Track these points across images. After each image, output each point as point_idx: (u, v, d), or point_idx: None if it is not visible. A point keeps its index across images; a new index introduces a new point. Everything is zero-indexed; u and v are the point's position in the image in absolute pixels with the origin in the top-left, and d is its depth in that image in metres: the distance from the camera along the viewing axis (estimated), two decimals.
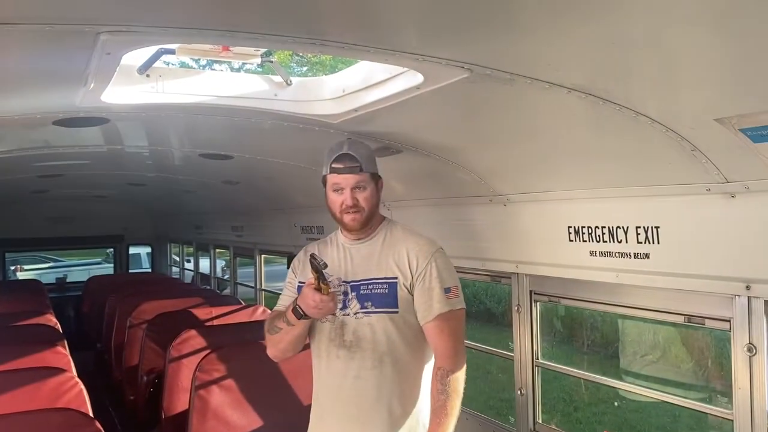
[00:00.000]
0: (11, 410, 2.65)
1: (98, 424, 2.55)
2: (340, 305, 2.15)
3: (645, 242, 2.11)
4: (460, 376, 2.07)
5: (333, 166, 2.14)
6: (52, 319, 5.03)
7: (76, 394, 2.99)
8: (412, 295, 2.11)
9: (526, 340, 2.77)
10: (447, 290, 2.09)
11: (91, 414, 2.73)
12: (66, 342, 4.00)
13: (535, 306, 2.77)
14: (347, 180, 2.13)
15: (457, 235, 2.99)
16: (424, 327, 2.11)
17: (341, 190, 2.13)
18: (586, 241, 2.33)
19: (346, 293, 2.16)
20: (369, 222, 2.18)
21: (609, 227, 2.23)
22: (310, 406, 2.34)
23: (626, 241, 2.17)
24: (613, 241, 2.21)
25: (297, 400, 3.64)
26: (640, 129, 1.78)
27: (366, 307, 2.13)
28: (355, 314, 2.14)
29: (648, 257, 2.11)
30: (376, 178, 2.18)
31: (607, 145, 2.00)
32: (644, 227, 2.10)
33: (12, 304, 5.81)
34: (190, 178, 5.07)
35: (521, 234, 2.67)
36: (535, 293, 2.74)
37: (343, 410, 2.18)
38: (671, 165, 1.92)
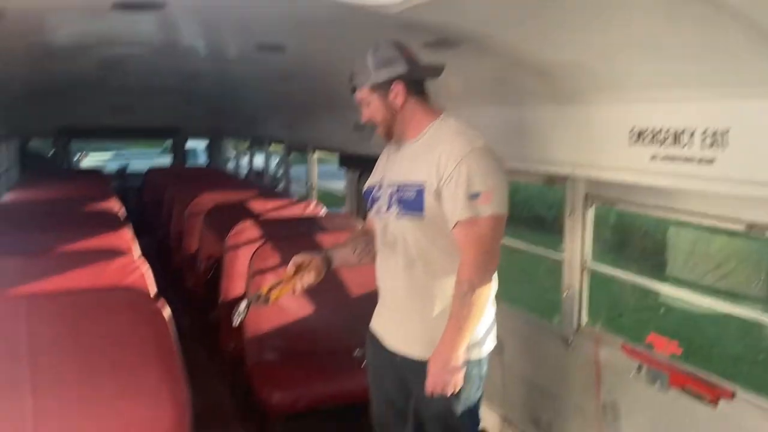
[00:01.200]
0: (79, 288, 2.83)
1: (161, 303, 2.70)
2: (385, 206, 2.23)
3: (712, 146, 2.01)
4: (479, 286, 2.05)
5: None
6: (115, 205, 5.26)
7: (140, 276, 3.16)
8: (439, 200, 2.10)
9: (577, 243, 2.76)
10: (474, 195, 2.03)
11: (152, 296, 2.89)
12: (129, 227, 4.18)
13: (589, 209, 2.73)
14: (356, 99, 2.23)
15: (514, 135, 2.92)
16: (451, 232, 2.11)
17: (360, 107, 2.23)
18: (648, 144, 2.24)
19: (391, 194, 2.22)
20: (392, 130, 2.22)
21: (674, 130, 2.13)
22: (362, 294, 2.45)
23: (691, 145, 2.08)
24: (678, 145, 2.13)
25: (349, 289, 3.77)
26: (720, 22, 1.65)
27: (400, 210, 2.17)
28: (394, 216, 2.20)
29: (713, 162, 2.03)
30: (383, 87, 2.16)
31: (681, 40, 1.88)
32: (712, 131, 2.01)
33: (77, 190, 6.09)
34: (246, 72, 5.05)
35: (580, 135, 2.59)
36: (590, 196, 2.69)
37: (387, 303, 2.33)
38: (748, 64, 1.80)
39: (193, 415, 2.61)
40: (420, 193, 2.11)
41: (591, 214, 2.75)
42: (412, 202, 2.13)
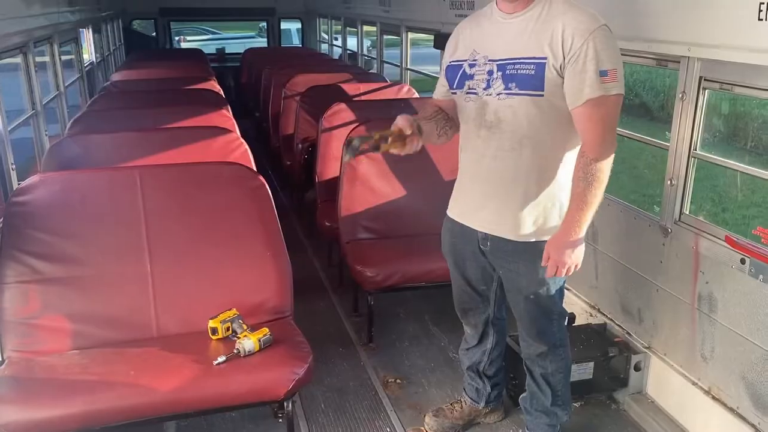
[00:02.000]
0: (187, 161, 2.99)
1: (263, 179, 2.82)
2: (483, 84, 2.11)
3: None
4: (605, 166, 2.01)
5: None
6: (215, 86, 5.41)
7: (242, 153, 3.30)
8: (563, 77, 1.99)
9: (686, 130, 2.60)
10: (603, 73, 1.95)
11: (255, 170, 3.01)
12: (229, 107, 4.31)
13: (703, 94, 2.53)
14: None
15: (622, 10, 2.71)
16: (572, 112, 2.02)
17: None
18: None
19: (491, 71, 2.09)
20: None
21: None
22: (451, 180, 2.43)
23: None
24: None
25: (439, 174, 3.78)
26: None
27: (510, 88, 2.06)
28: (497, 95, 2.09)
29: None
30: None
31: None
32: None
33: (179, 70, 6.28)
34: None
35: (698, 9, 2.36)
36: (705, 79, 2.49)
37: (480, 186, 2.25)
38: None
39: (292, 285, 2.79)
40: (541, 69, 2.00)
41: (704, 99, 2.56)
42: (530, 79, 2.02)
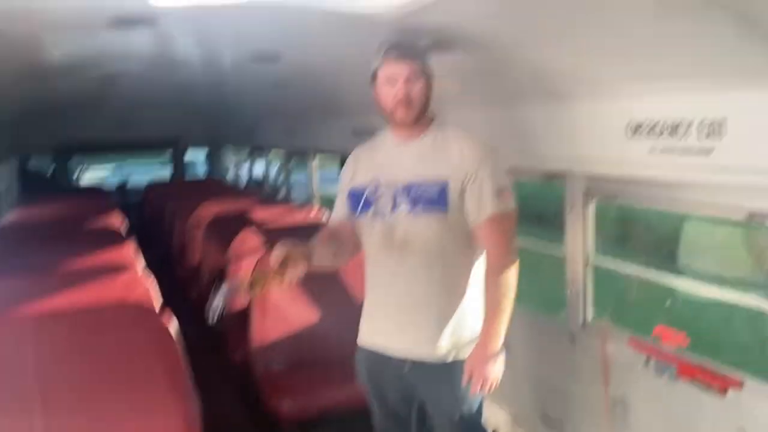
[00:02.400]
0: (84, 306, 2.84)
1: (167, 318, 2.71)
2: (389, 206, 2.18)
3: (709, 137, 2.02)
4: (511, 276, 2.10)
5: (386, 57, 2.12)
6: (117, 220, 5.27)
7: (145, 290, 3.17)
8: (463, 196, 2.11)
9: (578, 240, 2.76)
10: (498, 191, 2.09)
11: (158, 310, 2.90)
12: (131, 242, 4.19)
13: (589, 205, 2.73)
14: (401, 69, 2.10)
15: (511, 134, 2.93)
16: (475, 228, 2.13)
17: (394, 82, 2.10)
18: (646, 137, 2.25)
19: (395, 194, 2.17)
20: (420, 117, 2.16)
21: (671, 122, 2.14)
22: (361, 302, 2.42)
23: (689, 136, 2.09)
24: (675, 137, 2.13)
25: (352, 297, 3.77)
26: (710, 14, 1.66)
27: (416, 208, 2.14)
28: (405, 215, 2.16)
29: (711, 153, 2.03)
30: (428, 72, 2.15)
31: (674, 32, 1.89)
32: (709, 121, 2.01)
33: (78, 207, 6.10)
34: (242, 81, 5.07)
35: (577, 132, 2.60)
36: (589, 192, 2.70)
37: (392, 308, 2.24)
38: (742, 53, 1.80)
39: (203, 425, 2.62)
40: (444, 189, 2.11)
41: (591, 209, 2.75)
42: (435, 199, 2.12)
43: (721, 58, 1.90)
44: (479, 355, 2.10)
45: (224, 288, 1.97)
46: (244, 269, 4.08)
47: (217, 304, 1.95)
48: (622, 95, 2.31)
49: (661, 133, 2.19)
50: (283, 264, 2.01)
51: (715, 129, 2.00)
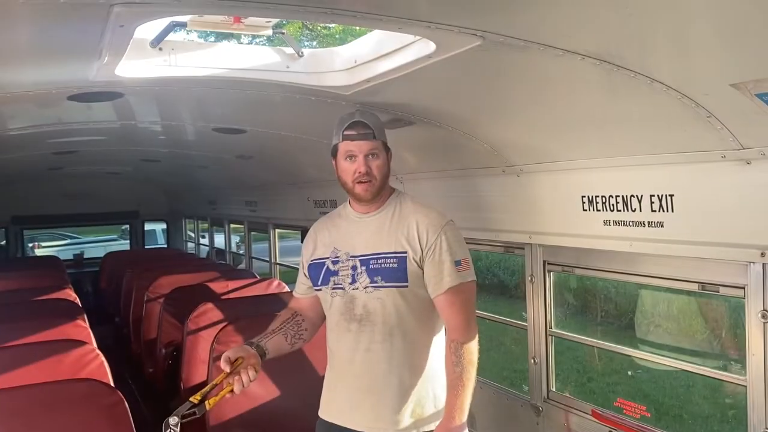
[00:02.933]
0: (37, 380, 2.72)
1: (120, 394, 2.60)
2: (349, 279, 2.18)
3: (659, 210, 2.10)
4: (473, 347, 2.09)
5: (345, 133, 2.14)
6: (71, 294, 5.11)
7: (98, 366, 3.05)
8: (422, 269, 2.11)
9: (539, 310, 2.79)
10: (457, 263, 2.10)
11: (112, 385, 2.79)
12: (85, 316, 4.07)
13: (549, 276, 2.77)
14: (360, 147, 2.13)
15: (469, 206, 2.99)
16: (435, 300, 2.13)
17: (354, 158, 2.13)
18: (599, 210, 2.32)
19: (354, 267, 2.17)
20: (380, 192, 2.19)
21: (623, 196, 2.22)
22: (321, 376, 2.37)
23: (640, 210, 2.16)
24: (628, 210, 2.21)
25: (314, 370, 3.68)
26: (655, 95, 1.76)
27: (375, 282, 2.13)
28: (364, 288, 2.15)
29: (662, 225, 2.11)
30: (387, 148, 2.19)
31: (622, 112, 1.99)
32: (659, 195, 2.09)
33: (31, 280, 5.91)
34: (203, 153, 5.09)
35: (534, 204, 2.67)
36: (548, 263, 2.74)
37: (353, 381, 2.21)
38: (686, 132, 1.90)
39: None
40: (402, 262, 2.10)
41: (551, 279, 2.80)
42: (394, 272, 2.11)
43: (666, 135, 2.00)
44: (444, 429, 2.07)
45: (175, 416, 1.92)
46: (202, 344, 3.98)
47: (173, 426, 1.91)
48: (575, 169, 2.40)
49: (615, 206, 2.27)
50: (234, 370, 1.99)
51: (665, 203, 2.08)
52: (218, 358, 3.52)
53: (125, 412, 2.57)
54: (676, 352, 7.15)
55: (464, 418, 2.07)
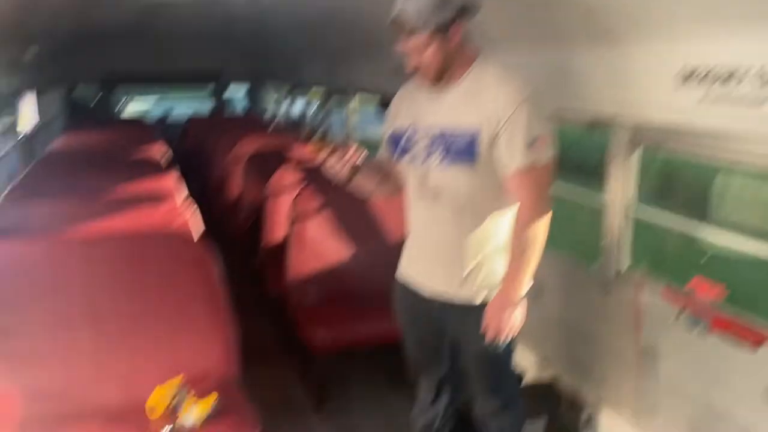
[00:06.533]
0: (128, 231, 2.94)
1: (206, 248, 2.78)
2: (423, 154, 2.16)
3: (764, 86, 1.94)
4: (539, 230, 2.08)
5: (392, 26, 2.06)
6: (160, 152, 5.36)
7: (186, 221, 3.25)
8: (496, 145, 2.07)
9: (620, 189, 2.72)
10: (533, 141, 2.03)
11: (198, 239, 2.97)
12: (173, 173, 4.27)
13: (634, 154, 2.67)
14: (405, 45, 2.07)
15: (556, 77, 2.86)
16: (505, 179, 2.10)
17: (404, 51, 2.09)
18: (697, 84, 2.17)
19: (429, 142, 2.16)
20: (443, 73, 2.12)
21: (726, 69, 2.06)
22: (401, 240, 2.46)
23: (743, 85, 2.01)
24: (729, 85, 2.05)
25: (388, 235, 3.81)
26: None
27: (447, 159, 2.12)
28: (437, 164, 2.15)
29: (765, 103, 1.96)
30: (441, 30, 2.04)
31: None
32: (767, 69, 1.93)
33: (123, 138, 6.22)
34: (284, 15, 5.02)
35: (627, 76, 2.51)
36: (635, 141, 2.63)
37: (426, 254, 2.30)
38: None
39: (239, 352, 2.72)
40: (473, 139, 2.07)
41: (635, 158, 2.70)
42: (463, 150, 2.09)
43: None
44: (497, 304, 2.13)
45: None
46: (282, 205, 4.15)
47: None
48: (676, 38, 2.22)
49: (714, 80, 2.11)
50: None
51: None
52: (297, 218, 3.72)
53: (212, 263, 2.75)
54: (759, 236, 6.89)
55: (520, 294, 2.12)
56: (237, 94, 12.32)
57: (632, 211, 2.72)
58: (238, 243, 5.32)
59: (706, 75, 2.13)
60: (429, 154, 2.16)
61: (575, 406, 2.92)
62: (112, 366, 2.55)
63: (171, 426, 2.27)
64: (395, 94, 2.39)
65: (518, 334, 2.22)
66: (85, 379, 2.51)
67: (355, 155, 2.20)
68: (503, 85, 2.08)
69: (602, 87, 2.65)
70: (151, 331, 2.62)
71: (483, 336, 2.19)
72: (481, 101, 2.08)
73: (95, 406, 2.49)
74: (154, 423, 2.36)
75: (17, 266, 2.58)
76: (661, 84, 2.31)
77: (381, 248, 3.74)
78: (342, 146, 2.22)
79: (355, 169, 2.23)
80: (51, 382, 2.47)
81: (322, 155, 2.20)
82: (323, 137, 2.17)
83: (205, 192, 7.00)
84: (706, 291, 2.38)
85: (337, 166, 2.21)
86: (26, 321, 2.51)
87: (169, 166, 4.81)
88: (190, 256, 2.74)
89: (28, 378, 2.45)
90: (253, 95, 11.12)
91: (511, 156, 2.05)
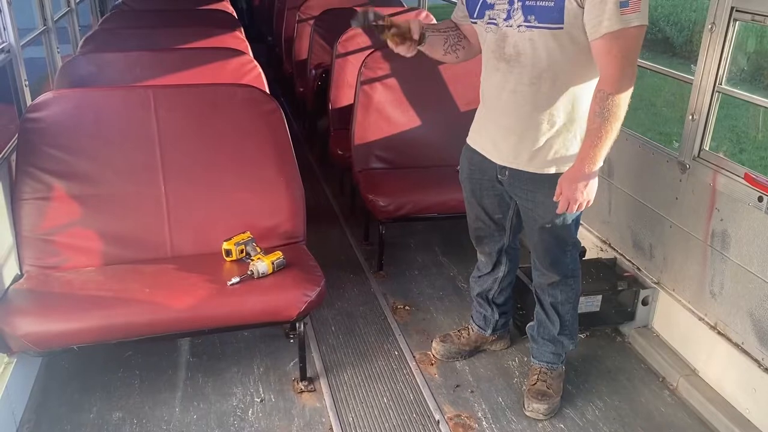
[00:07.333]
0: (201, 82, 2.95)
1: (276, 102, 2.79)
2: (504, 15, 2.04)
3: None
4: (622, 101, 1.95)
5: None
6: (229, 7, 5.28)
7: (256, 76, 3.25)
8: (582, 9, 1.91)
9: (713, 63, 2.52)
10: (624, 4, 1.85)
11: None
12: (242, 29, 4.22)
13: (733, 25, 2.45)
14: None
15: None
16: (591, 44, 1.95)
17: None
18: None
19: (511, 2, 2.01)
20: None
21: None
22: (468, 111, 2.40)
23: None
24: None
25: (455, 105, 3.73)
26: None
27: (529, 21, 1.98)
28: (518, 27, 2.02)
29: None
30: None
31: None
32: None
33: None
34: None
35: None
36: (736, 10, 2.41)
37: (498, 119, 2.22)
38: None
39: (305, 212, 2.80)
40: (560, 1, 1.92)
41: (734, 31, 2.48)
42: (550, 11, 1.94)
43: None
44: (571, 176, 2.06)
45: (371, 12, 2.06)
46: (350, 68, 4.08)
47: (370, 17, 2.06)
48: None
49: None
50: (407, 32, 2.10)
51: None
52: (365, 82, 3.66)
53: (282, 119, 2.77)
54: None
55: (595, 168, 2.04)
56: None
57: (721, 88, 2.54)
58: (306, 104, 5.33)
59: None
60: (510, 15, 2.03)
61: (634, 285, 2.92)
62: (184, 216, 2.67)
63: (244, 274, 2.40)
64: None
65: (585, 210, 2.19)
66: (159, 226, 2.64)
67: (415, 32, 2.10)
68: None
69: None
70: (222, 184, 2.70)
71: (549, 207, 2.16)
72: None
73: (170, 252, 2.64)
74: (228, 267, 2.50)
75: (94, 115, 2.65)
76: None
77: (448, 118, 3.67)
78: (400, 25, 2.10)
79: (420, 41, 2.14)
80: (128, 228, 2.62)
81: (384, 38, 2.12)
82: (379, 20, 2.08)
83: (273, 52, 6.94)
84: None
85: (400, 48, 2.13)
86: (103, 168, 2.62)
87: (238, 22, 4.74)
88: (260, 110, 2.76)
89: (106, 223, 2.60)
90: None
91: (600, 20, 1.89)
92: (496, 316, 2.73)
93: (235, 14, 5.13)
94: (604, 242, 3.29)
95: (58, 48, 4.09)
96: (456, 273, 3.45)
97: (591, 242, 3.34)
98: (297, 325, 2.47)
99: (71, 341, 2.21)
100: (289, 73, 5.95)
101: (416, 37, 2.09)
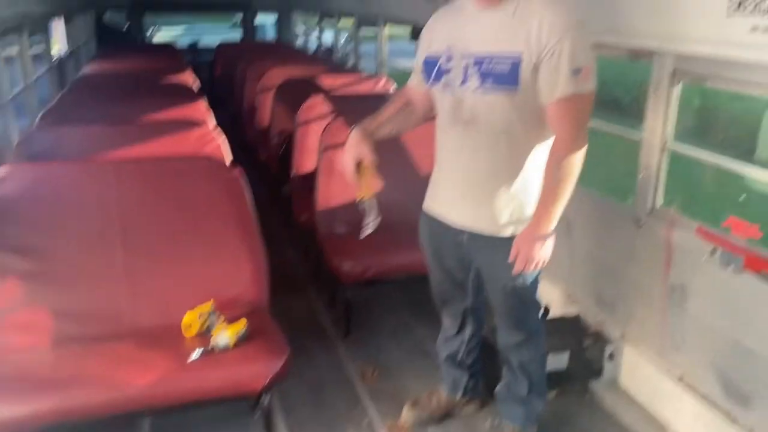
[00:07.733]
0: (160, 155, 2.95)
1: (238, 172, 2.80)
2: (459, 79, 2.11)
3: None
4: (575, 161, 2.02)
5: None
6: (190, 78, 5.34)
7: (218, 146, 3.26)
8: (537, 73, 2.00)
9: (659, 122, 2.63)
10: (576, 71, 1.95)
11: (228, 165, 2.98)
12: (204, 99, 4.26)
13: (676, 86, 2.57)
14: None
15: (595, 4, 2.74)
16: (546, 108, 2.03)
17: None
18: (749, 13, 2.06)
19: (466, 67, 2.08)
20: None
21: None
22: (428, 172, 2.43)
23: None
24: None
25: (416, 166, 3.78)
26: None
27: (486, 84, 2.05)
28: (473, 90, 2.08)
29: None
30: None
31: None
32: None
33: (153, 63, 6.20)
34: None
35: (671, 4, 2.40)
36: (678, 72, 2.53)
37: (457, 182, 2.26)
38: None
39: (269, 279, 2.77)
40: (516, 65, 1.99)
41: (677, 91, 2.60)
42: (505, 76, 2.01)
43: None
44: (528, 236, 2.10)
45: (366, 204, 2.34)
46: (312, 135, 4.14)
47: (371, 221, 2.35)
48: None
49: None
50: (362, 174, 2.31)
51: None
52: (327, 148, 3.71)
53: (243, 189, 2.77)
54: None
55: (551, 227, 2.08)
56: (267, 20, 12.14)
57: (670, 145, 2.65)
58: (269, 170, 5.35)
59: (758, 4, 2.02)
60: (465, 79, 2.10)
61: (599, 341, 2.93)
62: (144, 289, 2.61)
63: (205, 347, 2.34)
64: (423, 24, 2.31)
65: (545, 268, 2.21)
66: (117, 300, 2.58)
67: (367, 157, 2.28)
68: (550, 11, 1.98)
69: (645, 16, 2.54)
70: (183, 255, 2.67)
71: (509, 268, 2.19)
72: (526, 26, 1.98)
73: (128, 327, 2.57)
74: (189, 341, 2.44)
75: (52, 189, 2.62)
76: (709, 12, 2.19)
77: (409, 179, 3.71)
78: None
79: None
80: (85, 303, 2.55)
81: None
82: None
83: (235, 120, 7.00)
84: (742, 230, 2.33)
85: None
86: (60, 243, 2.57)
87: (200, 92, 4.79)
88: (222, 181, 2.77)
89: (62, 299, 2.53)
90: (282, 23, 10.95)
91: (554, 84, 1.97)
92: (466, 378, 2.71)
93: (198, 83, 5.19)
94: (568, 298, 3.32)
95: (16, 122, 4.07)
96: (424, 335, 3.43)
97: (555, 298, 3.37)
98: (262, 399, 2.41)
99: (26, 426, 2.11)
100: (251, 140, 6.00)
101: (371, 159, 2.26)
